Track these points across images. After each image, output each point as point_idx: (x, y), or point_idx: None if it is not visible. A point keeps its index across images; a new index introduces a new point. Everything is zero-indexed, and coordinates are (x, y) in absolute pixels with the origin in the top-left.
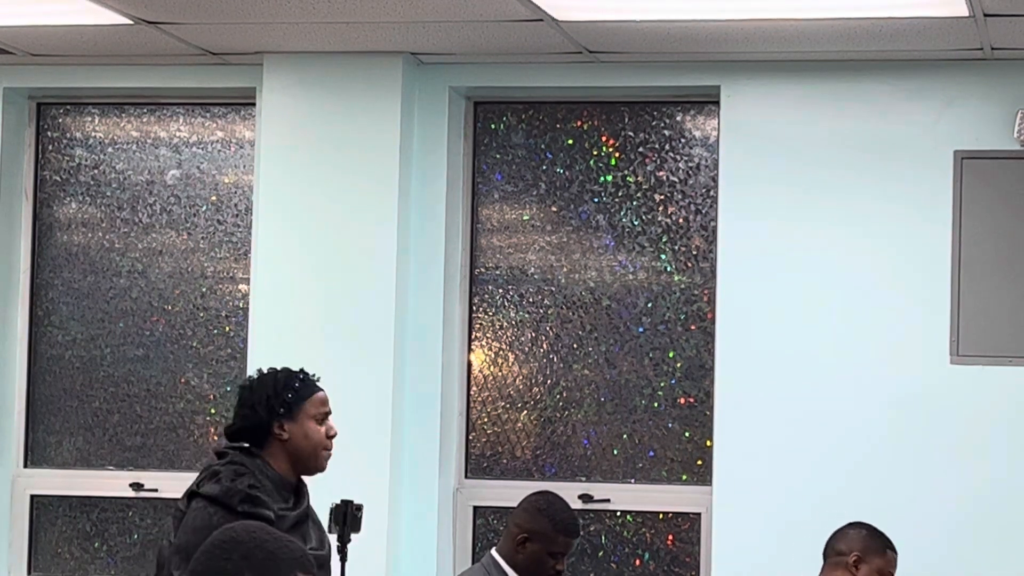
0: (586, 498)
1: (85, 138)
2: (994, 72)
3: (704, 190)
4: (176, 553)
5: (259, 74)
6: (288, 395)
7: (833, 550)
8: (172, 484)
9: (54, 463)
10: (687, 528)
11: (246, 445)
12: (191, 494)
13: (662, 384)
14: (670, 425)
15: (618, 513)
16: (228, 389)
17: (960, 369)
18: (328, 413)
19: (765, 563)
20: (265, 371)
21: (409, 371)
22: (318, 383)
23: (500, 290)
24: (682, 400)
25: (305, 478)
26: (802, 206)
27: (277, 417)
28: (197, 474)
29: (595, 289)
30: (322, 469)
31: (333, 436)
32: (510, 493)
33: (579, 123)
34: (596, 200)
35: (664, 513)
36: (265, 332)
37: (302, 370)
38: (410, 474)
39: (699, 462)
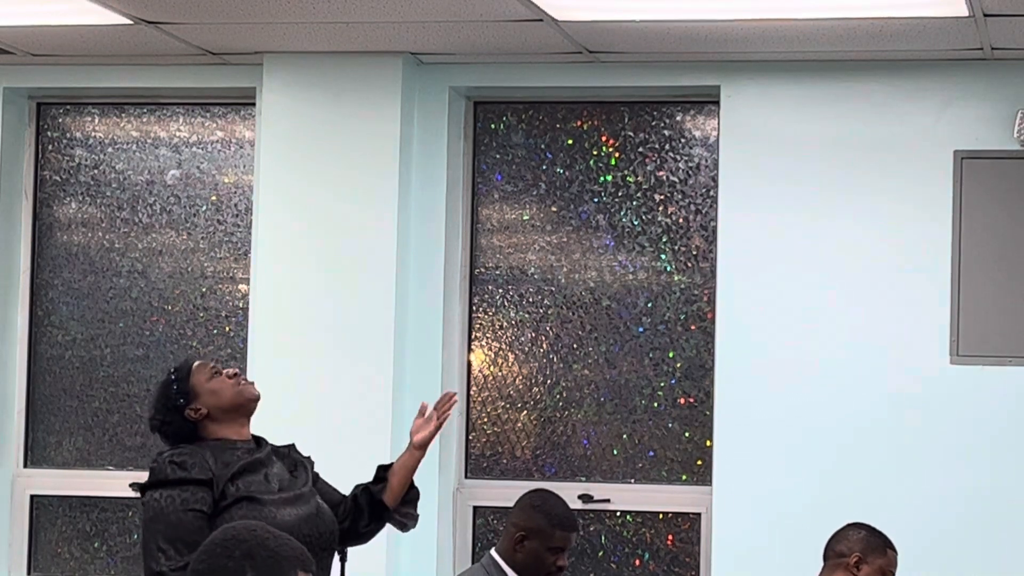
0: (586, 498)
1: (85, 138)
2: (994, 72)
3: (704, 190)
4: (144, 549)
5: (259, 74)
6: (174, 387)
7: (833, 552)
8: None
9: (54, 463)
10: (687, 528)
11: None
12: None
13: (662, 384)
14: (670, 425)
15: (618, 513)
16: None
17: (960, 369)
18: (216, 370)
19: (765, 563)
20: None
21: (409, 371)
22: (191, 359)
23: (500, 290)
24: (682, 400)
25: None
26: (802, 206)
27: (183, 408)
28: None
29: (595, 289)
30: (252, 400)
31: (234, 374)
32: (510, 493)
33: (579, 123)
34: (596, 200)
35: (664, 513)
36: (265, 332)
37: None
38: None
39: (699, 462)
